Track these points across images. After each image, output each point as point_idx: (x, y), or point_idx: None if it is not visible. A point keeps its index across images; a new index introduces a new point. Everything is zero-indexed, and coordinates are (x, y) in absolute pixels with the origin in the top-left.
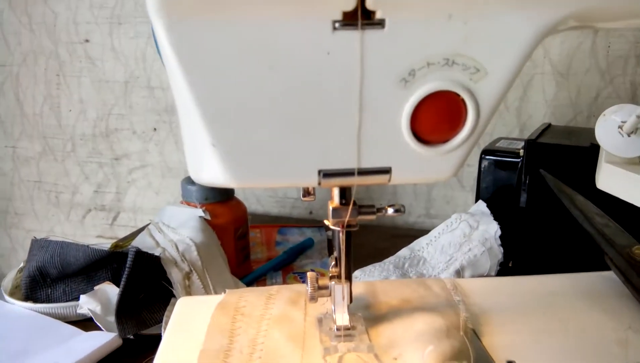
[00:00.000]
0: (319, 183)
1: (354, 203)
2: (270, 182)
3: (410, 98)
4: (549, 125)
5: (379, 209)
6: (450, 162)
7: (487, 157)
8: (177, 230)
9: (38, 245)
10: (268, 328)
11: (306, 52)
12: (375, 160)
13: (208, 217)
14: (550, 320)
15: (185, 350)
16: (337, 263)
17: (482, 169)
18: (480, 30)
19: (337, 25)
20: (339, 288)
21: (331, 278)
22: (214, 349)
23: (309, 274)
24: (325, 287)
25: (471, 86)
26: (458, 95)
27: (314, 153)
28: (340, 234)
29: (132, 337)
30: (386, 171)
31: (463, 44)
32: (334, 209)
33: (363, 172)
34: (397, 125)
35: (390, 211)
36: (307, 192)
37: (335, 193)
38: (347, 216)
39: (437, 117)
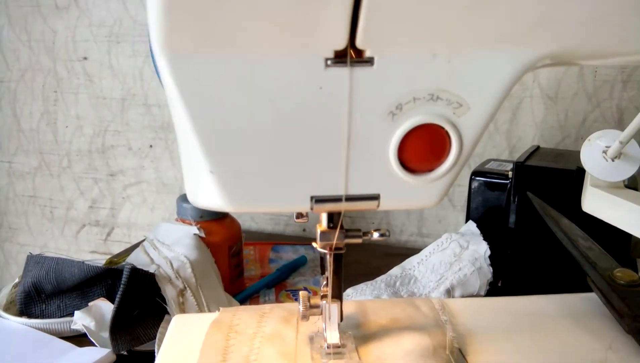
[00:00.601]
0: (312, 208)
1: (341, 227)
2: (265, 208)
3: (398, 130)
4: (538, 147)
5: (365, 234)
6: (436, 189)
7: (477, 178)
8: (171, 247)
9: (34, 260)
10: (261, 345)
11: (300, 87)
12: (364, 187)
13: (202, 235)
14: (534, 340)
15: None
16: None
17: (472, 189)
18: (463, 69)
19: (329, 62)
20: (330, 307)
21: (323, 297)
22: None
23: (301, 293)
24: (317, 306)
25: (454, 120)
26: (442, 128)
27: (307, 180)
28: (328, 256)
29: (125, 353)
30: (375, 197)
31: (447, 80)
32: (322, 233)
33: (353, 198)
34: (385, 155)
35: (375, 235)
36: (300, 214)
37: (324, 217)
38: (335, 239)
39: (422, 148)
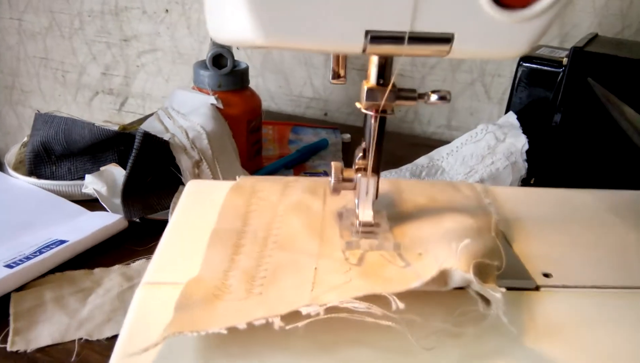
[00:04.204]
0: (364, 50)
1: (393, 85)
2: (306, 42)
3: None
4: (596, 35)
5: (421, 95)
6: (527, 33)
7: (525, 64)
8: (187, 117)
9: (42, 119)
10: (284, 214)
11: None
12: (436, 24)
13: (220, 106)
14: (587, 234)
15: (195, 230)
16: (365, 155)
17: (517, 77)
18: None
19: None
20: (365, 182)
21: (357, 170)
22: (227, 229)
23: (333, 164)
24: (350, 180)
25: None
26: None
27: (363, 8)
28: (373, 120)
29: (138, 220)
30: (448, 39)
31: None
32: (369, 90)
33: (419, 38)
34: None
35: (433, 98)
36: (337, 74)
37: (373, 71)
38: (384, 99)
39: None
